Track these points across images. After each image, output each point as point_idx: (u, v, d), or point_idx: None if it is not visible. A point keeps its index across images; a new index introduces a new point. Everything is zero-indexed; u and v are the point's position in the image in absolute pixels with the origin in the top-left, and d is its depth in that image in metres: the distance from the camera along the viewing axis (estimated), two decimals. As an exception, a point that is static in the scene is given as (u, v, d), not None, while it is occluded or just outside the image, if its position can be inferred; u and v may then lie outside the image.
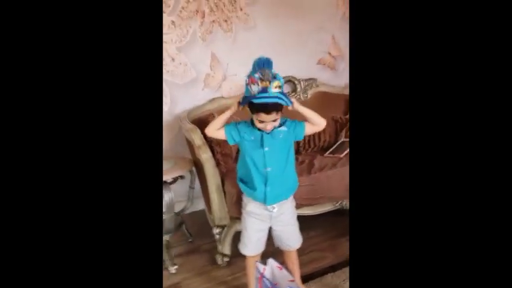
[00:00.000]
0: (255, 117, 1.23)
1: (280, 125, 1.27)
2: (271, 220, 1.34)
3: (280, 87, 1.18)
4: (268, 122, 1.21)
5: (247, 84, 1.19)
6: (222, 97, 2.29)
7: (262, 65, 1.16)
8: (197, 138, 1.70)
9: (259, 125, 1.23)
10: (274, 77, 1.16)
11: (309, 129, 1.30)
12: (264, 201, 1.30)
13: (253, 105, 1.19)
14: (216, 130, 1.30)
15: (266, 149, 1.26)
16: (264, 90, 1.15)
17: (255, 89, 1.16)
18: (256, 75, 1.15)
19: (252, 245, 1.36)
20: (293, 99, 1.24)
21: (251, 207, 1.34)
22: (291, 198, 1.39)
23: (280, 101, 1.16)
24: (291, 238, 1.38)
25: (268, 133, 1.25)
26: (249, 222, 1.36)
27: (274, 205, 1.31)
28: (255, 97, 1.17)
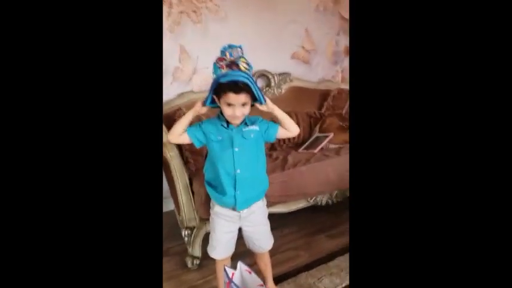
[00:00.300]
0: (223, 102, 1.13)
1: (252, 123, 1.20)
2: (241, 220, 1.27)
3: (248, 64, 1.12)
4: (238, 105, 1.11)
5: (215, 63, 1.13)
6: (192, 91, 2.19)
7: (230, 46, 1.12)
8: (163, 136, 1.60)
9: (227, 112, 1.13)
10: (243, 57, 1.11)
11: (282, 133, 1.23)
12: (234, 206, 1.23)
13: (221, 86, 1.09)
14: (178, 135, 1.21)
15: (236, 149, 1.18)
16: (233, 63, 1.09)
17: (222, 63, 1.10)
18: (226, 55, 1.10)
19: (221, 247, 1.29)
20: (267, 98, 1.17)
21: (219, 208, 1.26)
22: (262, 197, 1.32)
23: (248, 82, 1.09)
24: (262, 239, 1.31)
25: (237, 131, 1.18)
26: (218, 224, 1.28)
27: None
28: (223, 76, 1.09)
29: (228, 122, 1.19)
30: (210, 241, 1.32)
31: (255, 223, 1.28)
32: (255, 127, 1.20)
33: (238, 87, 1.08)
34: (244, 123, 1.19)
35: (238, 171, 1.19)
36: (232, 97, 1.09)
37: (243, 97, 1.10)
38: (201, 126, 1.22)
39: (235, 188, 1.20)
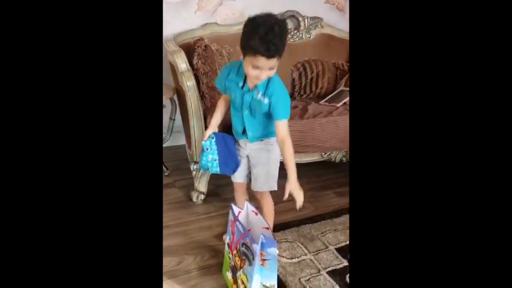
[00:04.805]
0: (248, 60, 1.00)
1: (265, 94, 1.08)
2: (247, 148, 1.23)
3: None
4: (265, 69, 1.01)
5: None
6: (216, 23, 2.04)
7: None
8: (181, 63, 1.50)
9: (252, 73, 1.02)
10: None
11: (279, 132, 1.11)
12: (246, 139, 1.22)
13: (253, 43, 0.95)
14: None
15: (245, 112, 1.14)
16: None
17: None
18: None
19: None
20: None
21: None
22: (272, 140, 1.23)
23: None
24: (258, 176, 1.24)
25: (249, 95, 1.09)
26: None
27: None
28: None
29: (244, 81, 1.11)
30: None
31: (254, 155, 1.24)
32: (266, 100, 1.09)
33: (270, 50, 0.95)
34: (255, 86, 1.09)
35: (250, 133, 1.18)
36: (261, 62, 0.98)
37: (273, 61, 1.00)
38: (227, 78, 1.15)
39: (247, 137, 1.20)
